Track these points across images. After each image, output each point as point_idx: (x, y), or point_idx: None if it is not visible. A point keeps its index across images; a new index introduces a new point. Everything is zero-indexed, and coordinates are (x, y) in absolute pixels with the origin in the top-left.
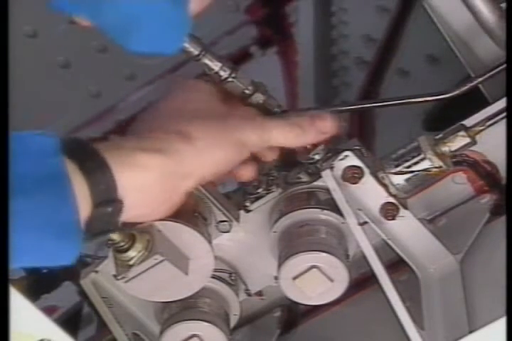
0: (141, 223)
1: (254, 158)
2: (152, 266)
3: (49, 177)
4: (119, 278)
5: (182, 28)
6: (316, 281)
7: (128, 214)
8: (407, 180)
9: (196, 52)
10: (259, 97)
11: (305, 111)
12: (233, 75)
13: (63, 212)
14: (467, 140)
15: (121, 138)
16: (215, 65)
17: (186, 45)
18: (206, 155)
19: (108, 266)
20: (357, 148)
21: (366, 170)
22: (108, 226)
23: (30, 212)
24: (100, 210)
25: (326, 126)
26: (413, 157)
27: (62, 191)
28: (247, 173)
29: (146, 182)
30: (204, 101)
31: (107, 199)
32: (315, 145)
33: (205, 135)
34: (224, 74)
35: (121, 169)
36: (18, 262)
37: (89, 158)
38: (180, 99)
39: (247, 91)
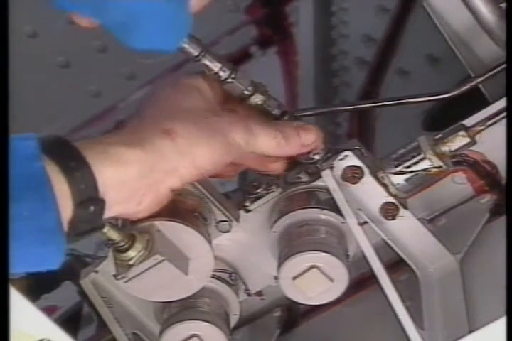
0: (140, 221)
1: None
2: (152, 266)
3: (29, 182)
4: (119, 278)
5: (182, 26)
6: (316, 281)
7: (111, 212)
8: (407, 180)
9: (196, 53)
10: (258, 98)
11: (291, 121)
12: (233, 76)
13: (45, 217)
14: (467, 140)
15: (103, 135)
16: (215, 66)
17: (186, 45)
18: (187, 153)
19: (108, 266)
20: (357, 148)
21: (366, 170)
22: (92, 225)
23: (12, 217)
24: (82, 209)
25: (309, 139)
26: (413, 157)
27: (42, 195)
28: (277, 168)
29: (127, 177)
30: (196, 98)
31: (88, 198)
32: (293, 158)
33: (190, 133)
34: (223, 74)
35: (102, 166)
36: None
37: (68, 157)
38: (171, 95)
39: (246, 92)
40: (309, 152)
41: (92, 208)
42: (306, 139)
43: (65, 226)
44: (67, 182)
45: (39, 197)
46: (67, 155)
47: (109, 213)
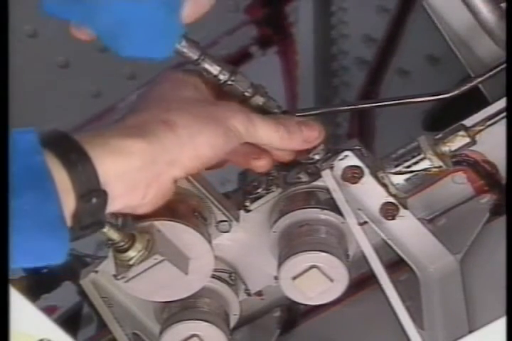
0: (141, 220)
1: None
2: (152, 266)
3: (30, 176)
4: (119, 278)
5: (173, 34)
6: (316, 281)
7: (115, 205)
8: (407, 179)
9: (195, 57)
10: (258, 100)
11: (293, 116)
12: (232, 78)
13: (47, 211)
14: (467, 140)
15: (104, 127)
16: (215, 69)
17: (185, 50)
18: (188, 142)
19: (108, 266)
20: (357, 148)
21: (366, 170)
22: (95, 218)
23: (15, 212)
24: (85, 202)
25: (312, 135)
26: (413, 157)
27: (43, 189)
28: (262, 165)
29: (129, 168)
30: (192, 91)
31: (89, 190)
32: (296, 155)
33: (189, 123)
34: (223, 77)
35: (104, 157)
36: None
37: (68, 149)
38: (168, 88)
39: (246, 94)
40: (309, 151)
41: (94, 200)
42: (309, 135)
43: (69, 220)
44: (68, 174)
45: (40, 190)
46: (68, 148)
47: (113, 206)
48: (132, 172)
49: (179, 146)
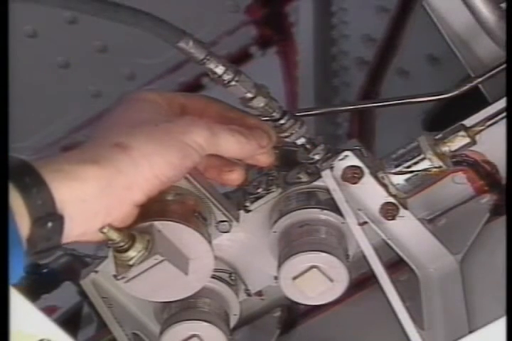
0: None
1: (242, 164)
2: (152, 266)
3: None
4: (119, 278)
5: None
6: (316, 281)
7: (73, 231)
8: (407, 180)
9: (201, 57)
10: (261, 100)
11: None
12: (236, 79)
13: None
14: (467, 140)
15: (60, 153)
16: (219, 69)
17: (192, 50)
18: (144, 163)
19: (108, 266)
20: (357, 148)
21: (366, 170)
22: (51, 243)
23: None
24: (40, 226)
25: (265, 140)
26: (413, 157)
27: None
28: (234, 179)
29: (85, 194)
30: (147, 111)
31: (45, 214)
32: (252, 166)
33: (142, 143)
34: (227, 77)
35: (59, 183)
36: None
37: (23, 174)
38: (122, 111)
39: (249, 95)
40: (309, 151)
41: (50, 224)
42: (262, 140)
43: (24, 244)
44: (22, 198)
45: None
46: (23, 172)
47: (71, 232)
48: (90, 199)
49: (134, 168)
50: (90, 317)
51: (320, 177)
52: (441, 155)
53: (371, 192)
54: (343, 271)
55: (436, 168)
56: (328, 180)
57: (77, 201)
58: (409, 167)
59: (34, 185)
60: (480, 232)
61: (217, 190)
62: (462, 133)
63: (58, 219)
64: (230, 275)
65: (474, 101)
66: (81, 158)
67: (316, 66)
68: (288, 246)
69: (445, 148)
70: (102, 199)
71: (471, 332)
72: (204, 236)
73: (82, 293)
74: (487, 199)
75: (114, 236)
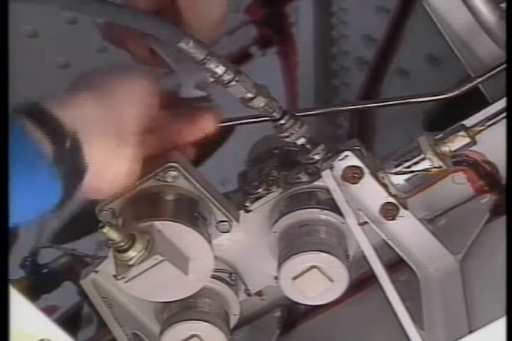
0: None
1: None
2: (152, 266)
3: None
4: (119, 278)
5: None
6: (316, 281)
7: None
8: (407, 180)
9: (201, 57)
10: (260, 100)
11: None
12: (236, 79)
13: None
14: (467, 140)
15: None
16: (220, 69)
17: (192, 50)
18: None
19: (108, 266)
20: (357, 148)
21: (366, 170)
22: None
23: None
24: None
25: (203, 121)
26: (413, 157)
27: None
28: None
29: None
30: None
31: None
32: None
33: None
34: (227, 77)
35: None
36: None
37: None
38: None
39: (249, 95)
40: (309, 151)
41: None
42: (201, 122)
43: None
44: None
45: None
46: None
47: None
48: None
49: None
50: (90, 317)
51: (320, 177)
52: (441, 155)
53: (371, 192)
54: (343, 271)
55: (436, 168)
56: (328, 180)
57: None
58: (409, 167)
59: None
60: (480, 232)
61: (217, 190)
62: (462, 133)
63: None
64: (230, 275)
65: (474, 101)
66: None
67: (316, 66)
68: (288, 246)
69: (445, 148)
70: None
71: (471, 332)
72: (204, 236)
73: (82, 293)
74: (487, 200)
75: (114, 236)
